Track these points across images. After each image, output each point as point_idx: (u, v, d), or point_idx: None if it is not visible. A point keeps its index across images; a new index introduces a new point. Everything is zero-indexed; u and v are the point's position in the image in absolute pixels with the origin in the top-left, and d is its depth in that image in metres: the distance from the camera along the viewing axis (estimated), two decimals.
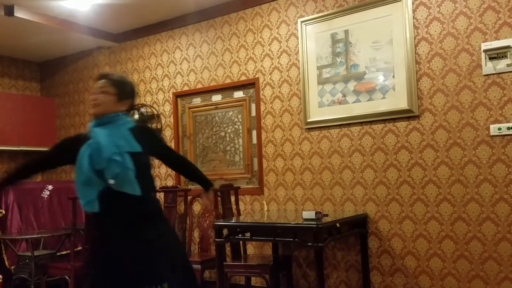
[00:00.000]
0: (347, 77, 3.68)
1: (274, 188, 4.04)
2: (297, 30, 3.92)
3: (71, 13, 4.36)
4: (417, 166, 3.37)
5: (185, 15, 4.56)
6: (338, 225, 3.16)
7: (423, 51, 3.37)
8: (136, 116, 4.89)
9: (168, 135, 4.76)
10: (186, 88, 4.65)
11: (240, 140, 4.33)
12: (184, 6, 4.39)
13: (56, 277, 3.98)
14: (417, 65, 3.38)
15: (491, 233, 3.09)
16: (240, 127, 4.33)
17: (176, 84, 4.71)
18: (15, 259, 4.26)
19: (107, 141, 1.97)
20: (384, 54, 3.50)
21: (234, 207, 4.11)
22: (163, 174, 4.77)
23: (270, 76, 4.10)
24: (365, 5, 3.58)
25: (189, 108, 4.67)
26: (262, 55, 4.15)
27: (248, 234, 3.32)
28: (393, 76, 3.47)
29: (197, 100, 4.63)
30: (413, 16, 3.40)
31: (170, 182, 4.72)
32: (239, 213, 4.11)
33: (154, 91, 4.88)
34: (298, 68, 3.91)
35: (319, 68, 3.80)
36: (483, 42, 3.15)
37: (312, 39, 3.84)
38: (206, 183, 2.38)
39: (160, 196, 4.58)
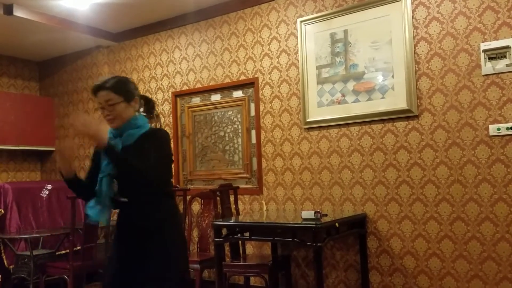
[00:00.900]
0: (346, 77, 3.68)
1: (273, 188, 4.04)
2: (297, 30, 3.91)
3: (70, 12, 4.35)
4: (416, 166, 3.37)
5: (184, 15, 4.55)
6: (337, 225, 3.16)
7: (422, 51, 3.36)
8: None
9: None
10: (185, 87, 4.65)
11: (239, 140, 4.32)
12: (183, 6, 4.38)
13: (55, 276, 3.98)
14: (416, 65, 3.38)
15: (490, 233, 3.10)
16: (239, 127, 4.32)
17: (175, 84, 4.71)
18: (14, 259, 4.26)
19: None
20: (383, 54, 3.50)
21: (233, 206, 4.11)
22: None
23: (269, 76, 4.09)
24: (364, 5, 3.58)
25: (188, 107, 4.66)
26: (261, 54, 4.15)
27: (247, 234, 3.32)
28: (392, 76, 3.47)
29: (196, 100, 4.63)
30: (413, 16, 3.40)
31: None
32: (238, 213, 4.11)
33: (153, 90, 4.87)
34: (298, 68, 3.91)
35: (318, 68, 3.80)
36: (482, 42, 3.15)
37: (311, 39, 3.84)
38: (112, 151, 1.96)
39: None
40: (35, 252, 4.15)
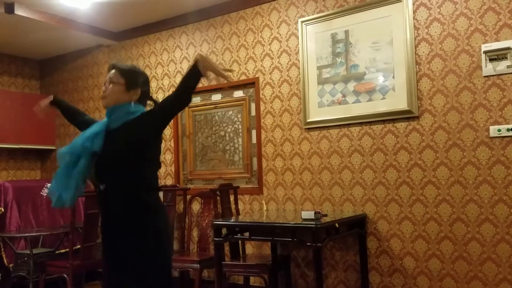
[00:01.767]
0: (347, 77, 3.67)
1: (273, 188, 4.04)
2: (298, 30, 3.91)
3: (71, 11, 4.35)
4: (416, 167, 3.37)
5: (185, 14, 4.55)
6: (337, 225, 3.16)
7: (423, 52, 3.36)
8: None
9: (167, 134, 4.75)
10: None
11: (240, 140, 4.32)
12: (184, 5, 4.38)
13: (55, 275, 3.98)
14: (417, 66, 3.38)
15: (490, 234, 3.10)
16: (240, 127, 4.33)
17: (176, 83, 4.71)
18: (14, 257, 4.26)
19: (77, 140, 2.02)
20: (384, 54, 3.50)
21: (233, 206, 4.11)
22: (162, 173, 4.76)
23: (270, 76, 4.09)
24: (366, 6, 3.58)
25: (189, 107, 4.66)
26: (262, 54, 4.15)
27: (247, 234, 3.32)
28: (393, 77, 3.47)
29: (196, 99, 4.63)
30: (414, 17, 3.40)
31: (169, 181, 4.71)
32: (238, 213, 4.11)
33: (154, 90, 4.87)
34: (298, 68, 3.91)
35: (319, 68, 3.80)
36: (483, 43, 3.14)
37: (312, 39, 3.84)
38: (192, 69, 2.02)
39: (159, 195, 4.56)
40: (35, 251, 4.15)
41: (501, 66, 3.08)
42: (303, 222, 3.02)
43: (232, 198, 4.12)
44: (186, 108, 4.67)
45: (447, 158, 3.26)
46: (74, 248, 3.85)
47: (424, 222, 3.33)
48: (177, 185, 4.59)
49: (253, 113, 4.23)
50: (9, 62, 5.48)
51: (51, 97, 2.49)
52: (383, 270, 3.48)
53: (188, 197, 4.41)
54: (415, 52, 3.38)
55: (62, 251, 4.42)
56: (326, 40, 3.78)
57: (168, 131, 4.75)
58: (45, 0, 4.11)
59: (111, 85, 2.07)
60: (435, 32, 3.33)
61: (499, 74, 3.10)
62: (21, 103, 5.18)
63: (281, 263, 3.77)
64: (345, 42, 3.69)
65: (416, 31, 3.39)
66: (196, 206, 4.43)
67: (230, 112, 4.39)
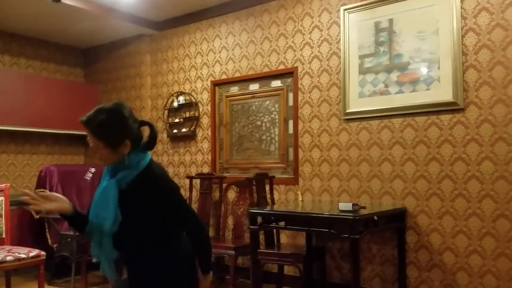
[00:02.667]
0: (390, 67, 3.59)
1: (309, 179, 4.02)
2: (339, 18, 3.86)
3: (115, 0, 4.45)
4: (460, 161, 3.28)
5: (225, 3, 4.57)
6: (375, 217, 3.12)
7: (470, 42, 3.25)
8: (176, 104, 4.98)
9: (205, 123, 4.81)
10: (224, 76, 4.68)
11: (276, 130, 4.32)
12: None
13: None
14: (463, 57, 3.27)
15: None
16: (277, 117, 4.32)
17: (215, 73, 4.75)
18: (58, 238, 4.43)
19: (92, 211, 1.85)
20: (430, 44, 3.40)
21: (268, 196, 4.13)
22: (199, 161, 4.83)
23: (309, 65, 4.06)
24: None
25: (226, 96, 4.70)
26: (302, 43, 4.11)
27: (282, 223, 3.33)
28: (438, 67, 3.37)
29: (234, 89, 4.65)
30: (461, 6, 3.28)
31: (206, 169, 4.78)
32: (273, 202, 4.13)
33: (193, 79, 4.94)
34: (339, 57, 3.86)
35: (361, 57, 3.74)
36: None
37: (354, 27, 3.77)
38: (204, 265, 1.87)
39: (196, 182, 4.65)
40: (78, 233, 4.31)
41: None
42: (341, 214, 2.99)
43: (267, 187, 4.13)
44: (224, 98, 4.71)
45: (492, 152, 3.15)
46: None
47: (466, 217, 3.24)
48: (213, 173, 4.65)
49: (291, 103, 4.21)
50: (55, 50, 5.67)
51: (68, 207, 1.83)
52: (421, 265, 3.41)
53: (224, 185, 4.46)
54: (462, 42, 3.27)
55: None
56: (369, 29, 3.70)
57: (205, 120, 4.81)
58: None
59: (97, 148, 1.77)
60: (483, 21, 3.20)
61: None
62: (66, 90, 5.36)
63: (316, 254, 3.76)
64: (389, 30, 3.61)
65: (463, 21, 3.28)
66: (231, 195, 4.47)
67: (267, 102, 4.39)
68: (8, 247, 3.54)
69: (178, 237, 1.88)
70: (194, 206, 4.51)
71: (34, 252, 3.46)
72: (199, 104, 4.86)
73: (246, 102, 4.55)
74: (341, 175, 3.84)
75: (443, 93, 3.34)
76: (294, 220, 3.27)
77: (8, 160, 5.18)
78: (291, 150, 4.20)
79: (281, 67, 4.25)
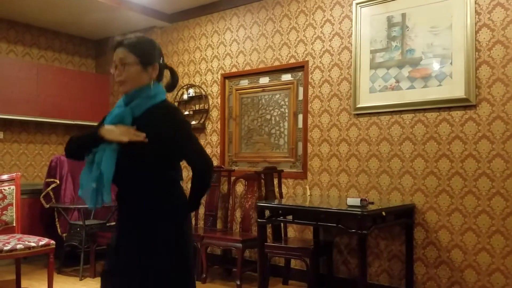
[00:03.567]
0: (402, 62, 3.56)
1: (318, 174, 4.02)
2: (352, 12, 3.83)
3: None
4: (470, 158, 3.25)
5: None
6: (383, 213, 3.11)
7: (484, 38, 3.21)
8: (185, 97, 4.99)
9: (214, 116, 4.82)
10: (234, 69, 4.67)
11: (286, 124, 4.32)
12: None
13: (105, 246, 4.16)
14: (476, 53, 3.23)
15: None
16: (286, 111, 4.31)
17: (225, 66, 4.75)
18: (67, 227, 4.49)
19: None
20: (443, 39, 3.36)
21: (276, 190, 4.13)
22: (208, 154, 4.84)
23: (320, 60, 4.04)
24: None
25: (236, 89, 4.69)
26: (313, 37, 4.09)
27: (290, 217, 3.33)
28: (451, 63, 3.33)
29: (244, 82, 4.65)
30: (475, 1, 3.24)
31: (214, 162, 4.79)
32: (281, 196, 4.13)
33: (203, 71, 4.94)
34: (350, 52, 3.83)
35: (373, 52, 3.71)
36: None
37: (366, 21, 3.74)
38: (193, 202, 1.92)
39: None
40: (87, 222, 4.36)
41: None
42: (349, 209, 2.99)
43: (275, 181, 4.14)
44: (234, 91, 4.71)
45: (503, 150, 3.12)
46: None
47: (475, 215, 3.21)
48: (222, 166, 4.66)
49: (301, 97, 4.20)
50: (67, 41, 5.71)
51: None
52: (429, 261, 3.40)
53: (233, 178, 4.47)
54: (475, 38, 3.23)
55: (113, 223, 4.59)
56: (381, 23, 3.67)
57: (215, 113, 4.81)
58: None
59: (124, 68, 1.78)
60: (498, 17, 3.16)
61: None
62: (78, 81, 5.40)
63: (323, 248, 3.76)
64: (402, 25, 3.57)
65: (477, 16, 3.23)
66: (239, 188, 4.48)
67: (277, 96, 4.38)
68: (18, 236, 3.59)
69: (177, 184, 1.89)
70: (203, 199, 4.52)
71: (44, 241, 3.51)
72: (209, 97, 4.87)
73: (256, 96, 4.55)
74: (350, 170, 3.83)
75: (455, 89, 3.30)
76: (302, 214, 3.27)
77: (20, 149, 5.25)
78: (300, 145, 4.20)
79: (292, 60, 4.23)
